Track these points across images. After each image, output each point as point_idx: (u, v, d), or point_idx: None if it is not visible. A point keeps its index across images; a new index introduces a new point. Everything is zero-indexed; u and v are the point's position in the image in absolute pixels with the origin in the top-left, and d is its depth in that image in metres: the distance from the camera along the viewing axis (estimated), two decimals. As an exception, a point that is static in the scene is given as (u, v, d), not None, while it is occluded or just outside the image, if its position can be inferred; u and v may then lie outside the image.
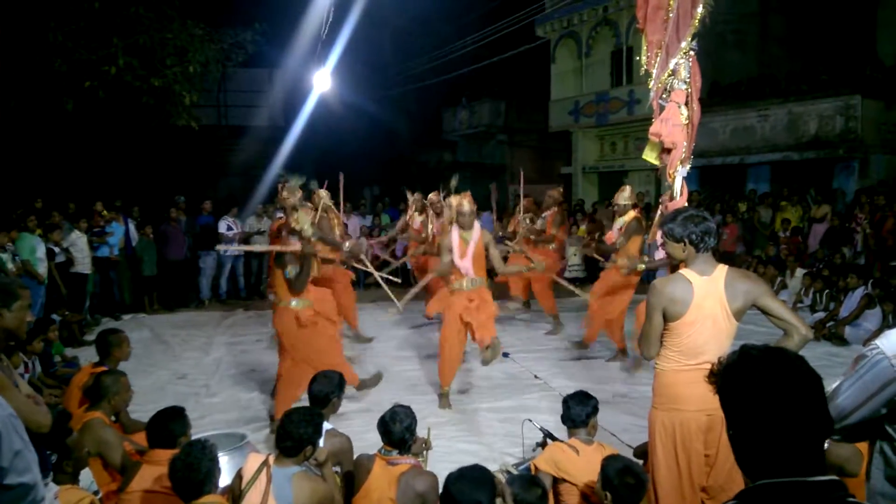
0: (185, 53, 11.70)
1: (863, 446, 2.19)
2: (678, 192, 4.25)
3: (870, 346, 1.76)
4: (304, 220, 5.54)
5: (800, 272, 10.42)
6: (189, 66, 11.70)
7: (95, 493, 3.61)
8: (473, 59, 19.17)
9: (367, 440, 4.74)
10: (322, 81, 14.21)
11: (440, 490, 2.83)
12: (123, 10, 10.76)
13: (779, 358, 1.38)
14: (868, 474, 1.86)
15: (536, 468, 3.56)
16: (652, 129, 4.12)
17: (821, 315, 9.08)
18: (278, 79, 21.34)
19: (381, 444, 3.45)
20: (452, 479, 2.66)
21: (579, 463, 3.46)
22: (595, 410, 3.70)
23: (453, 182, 7.31)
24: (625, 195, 7.40)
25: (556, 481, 3.50)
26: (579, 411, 3.64)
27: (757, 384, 1.35)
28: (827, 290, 9.48)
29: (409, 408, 3.49)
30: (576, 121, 18.76)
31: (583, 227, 13.59)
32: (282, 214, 6.50)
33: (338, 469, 3.73)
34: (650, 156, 4.42)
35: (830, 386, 1.76)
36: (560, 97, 19.41)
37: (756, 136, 14.26)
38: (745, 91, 14.75)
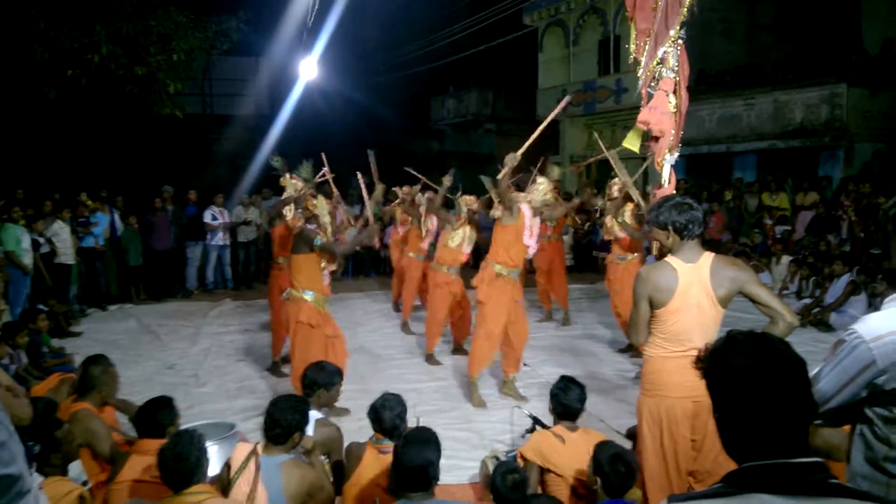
0: (169, 41, 11.56)
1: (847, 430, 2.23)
2: (666, 179, 4.27)
3: (848, 331, 1.79)
4: (322, 207, 5.62)
5: (785, 259, 10.51)
6: (173, 55, 11.56)
7: (84, 483, 3.61)
8: (461, 47, 19.12)
9: (358, 428, 4.77)
10: (308, 70, 14.11)
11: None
12: (106, -3, 10.63)
13: (763, 342, 1.41)
14: (848, 457, 1.89)
15: (523, 457, 3.58)
16: (640, 116, 4.14)
17: (807, 301, 9.18)
18: (264, 67, 21.19)
19: (371, 433, 3.47)
20: (399, 447, 2.71)
21: (564, 453, 3.49)
22: (584, 400, 3.73)
23: (446, 181, 7.35)
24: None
25: (543, 471, 3.53)
26: (572, 402, 3.66)
27: (742, 368, 1.38)
28: (813, 277, 9.57)
29: (399, 396, 3.51)
30: (563, 110, 18.76)
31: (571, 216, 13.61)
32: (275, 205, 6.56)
33: (327, 459, 3.74)
34: (633, 143, 4.43)
35: (811, 371, 1.79)
36: (547, 86, 19.38)
37: (742, 125, 14.32)
38: (732, 79, 14.79)
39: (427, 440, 2.73)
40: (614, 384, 6.43)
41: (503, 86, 21.40)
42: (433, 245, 8.29)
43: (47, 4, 10.25)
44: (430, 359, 7.28)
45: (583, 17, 18.26)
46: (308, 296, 5.46)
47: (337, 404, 4.80)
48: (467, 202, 7.39)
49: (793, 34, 16.32)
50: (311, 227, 5.56)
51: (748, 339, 1.43)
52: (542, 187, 5.83)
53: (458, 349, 7.60)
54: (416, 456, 2.65)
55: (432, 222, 8.48)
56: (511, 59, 20.06)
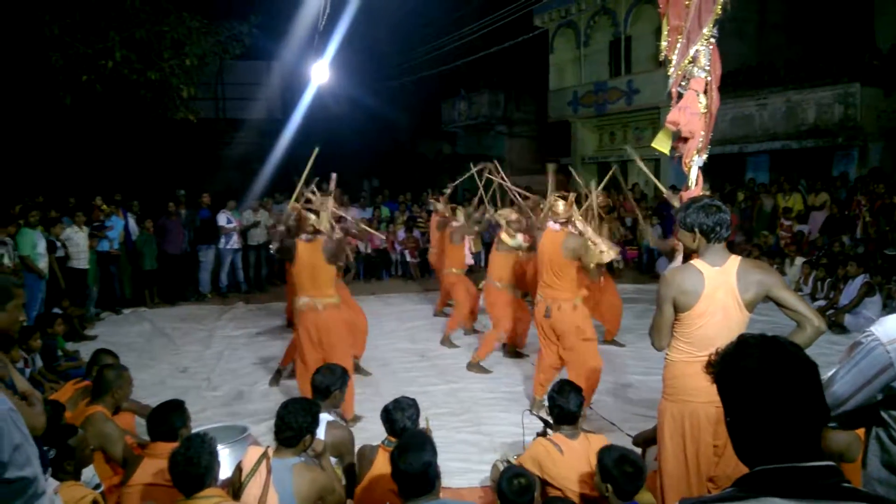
0: (182, 47, 11.66)
1: (861, 433, 2.20)
2: (693, 181, 4.18)
3: (865, 333, 1.77)
4: (324, 220, 5.64)
5: (799, 260, 10.43)
6: (186, 60, 11.67)
7: (97, 486, 3.63)
8: (472, 49, 19.11)
9: (369, 431, 4.77)
10: (320, 73, 14.16)
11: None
12: (120, 4, 10.72)
13: (775, 346, 1.41)
14: (864, 461, 1.87)
15: (522, 466, 3.56)
16: (669, 116, 4.01)
17: (821, 303, 9.09)
18: (276, 71, 21.29)
19: (383, 435, 3.46)
20: (396, 456, 2.72)
21: (562, 464, 3.45)
22: (582, 403, 3.69)
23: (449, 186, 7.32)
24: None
25: (542, 481, 3.50)
26: (570, 405, 3.63)
27: (754, 371, 1.37)
28: (828, 279, 9.48)
29: (413, 399, 3.51)
30: (574, 111, 18.71)
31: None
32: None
33: (339, 461, 3.74)
34: (663, 144, 4.33)
35: (827, 374, 1.77)
36: (558, 87, 19.35)
37: (755, 125, 14.23)
38: (744, 79, 14.69)
39: (422, 444, 2.74)
40: (630, 386, 6.40)
41: (514, 88, 21.38)
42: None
43: (61, 10, 10.36)
44: (476, 367, 7.08)
45: (594, 18, 18.22)
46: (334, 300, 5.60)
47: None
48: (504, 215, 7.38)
49: (804, 33, 16.19)
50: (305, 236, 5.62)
51: (760, 343, 1.42)
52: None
53: (514, 353, 7.59)
54: (414, 461, 2.65)
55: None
56: (522, 60, 20.02)
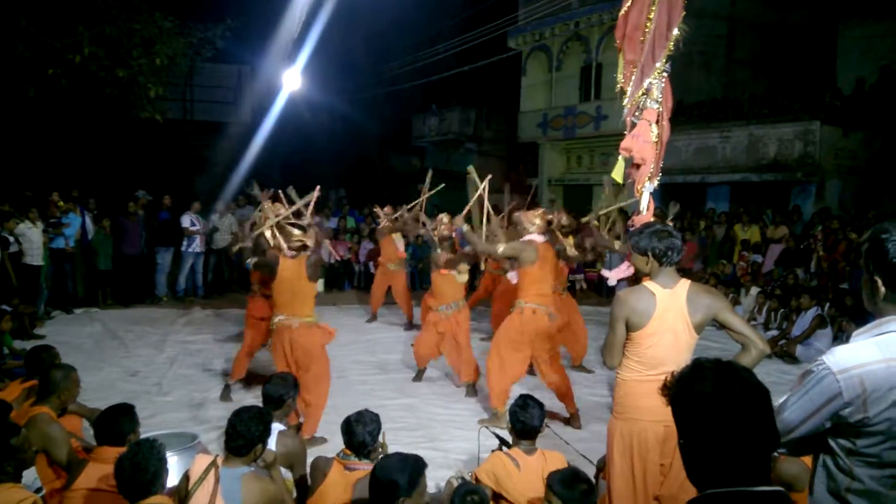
0: (153, 45, 11.49)
1: (808, 461, 2.25)
2: (645, 206, 4.32)
3: (816, 362, 1.81)
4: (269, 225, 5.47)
5: (754, 290, 10.66)
6: (156, 59, 11.49)
7: (38, 490, 3.51)
8: (446, 66, 19.26)
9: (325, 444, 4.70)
10: (292, 80, 14.12)
11: None
12: (91, 0, 10.55)
13: (730, 371, 1.43)
14: (811, 488, 1.90)
15: (477, 479, 3.54)
16: (623, 143, 4.20)
17: (773, 333, 9.29)
18: (247, 76, 21.13)
19: (338, 448, 3.41)
20: (378, 464, 2.74)
21: (519, 479, 3.43)
22: (543, 417, 3.71)
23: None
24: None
25: (496, 496, 3.48)
26: (533, 421, 3.63)
27: (708, 395, 1.40)
28: (781, 310, 9.71)
29: (377, 415, 3.47)
30: (544, 133, 18.94)
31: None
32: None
33: (289, 474, 3.67)
34: (619, 175, 4.50)
35: (778, 401, 1.80)
36: (529, 109, 19.57)
37: (717, 157, 14.57)
38: (709, 112, 15.06)
39: (402, 468, 2.72)
40: (582, 407, 6.43)
41: (486, 106, 21.58)
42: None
43: (30, 2, 10.14)
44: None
45: (566, 43, 18.51)
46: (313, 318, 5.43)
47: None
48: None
49: (769, 70, 16.71)
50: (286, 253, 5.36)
51: (715, 367, 1.45)
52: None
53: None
54: (386, 474, 2.67)
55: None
56: (495, 81, 20.25)
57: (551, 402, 5.65)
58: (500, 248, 5.74)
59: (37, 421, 3.61)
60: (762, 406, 1.39)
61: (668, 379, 1.53)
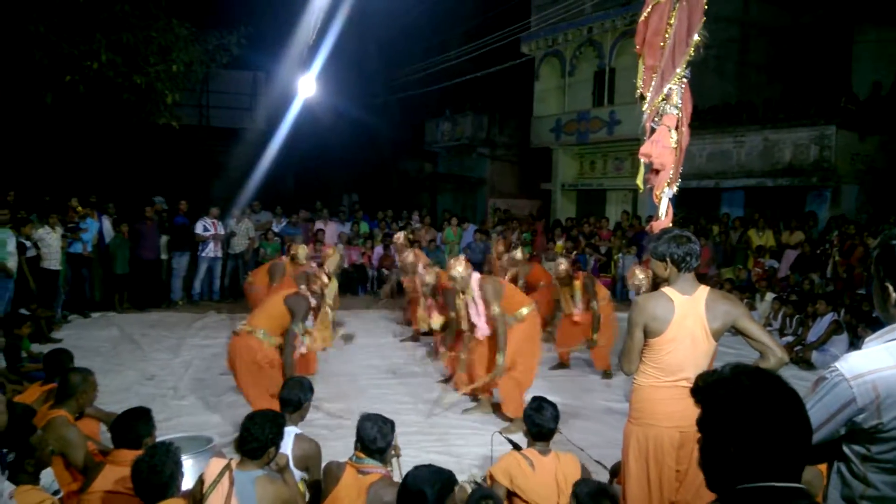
0: (169, 53, 11.61)
1: (823, 469, 2.24)
2: (664, 212, 4.31)
3: (830, 369, 1.80)
4: (331, 288, 5.96)
5: (769, 296, 10.59)
6: (172, 66, 11.61)
7: (56, 492, 3.55)
8: (458, 72, 19.28)
9: (333, 448, 4.72)
10: (307, 87, 14.20)
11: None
12: (109, 7, 10.67)
13: (762, 371, 1.47)
14: (825, 494, 1.89)
15: (492, 478, 3.57)
16: (642, 149, 4.19)
17: (789, 339, 9.23)
18: (262, 82, 21.29)
19: (350, 452, 3.43)
20: (411, 473, 2.75)
21: (533, 479, 3.47)
22: (557, 419, 3.73)
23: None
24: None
25: (510, 493, 3.51)
26: (548, 423, 3.65)
27: (748, 388, 1.41)
28: (797, 315, 9.64)
29: (392, 421, 3.48)
30: (557, 138, 18.91)
31: (560, 244, 13.69)
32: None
33: (305, 475, 3.70)
34: (639, 180, 4.54)
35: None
36: (542, 114, 19.56)
37: (731, 162, 14.48)
38: (723, 116, 14.98)
39: (435, 479, 2.72)
40: (596, 412, 6.41)
41: (498, 111, 21.57)
42: None
43: (48, 9, 10.28)
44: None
45: (580, 48, 18.49)
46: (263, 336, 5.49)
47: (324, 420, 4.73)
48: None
49: (784, 74, 16.60)
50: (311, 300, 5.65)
51: (749, 368, 1.48)
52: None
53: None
54: (416, 483, 2.69)
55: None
56: (508, 86, 20.24)
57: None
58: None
59: (54, 424, 3.66)
60: (798, 404, 1.41)
61: (700, 381, 1.54)
